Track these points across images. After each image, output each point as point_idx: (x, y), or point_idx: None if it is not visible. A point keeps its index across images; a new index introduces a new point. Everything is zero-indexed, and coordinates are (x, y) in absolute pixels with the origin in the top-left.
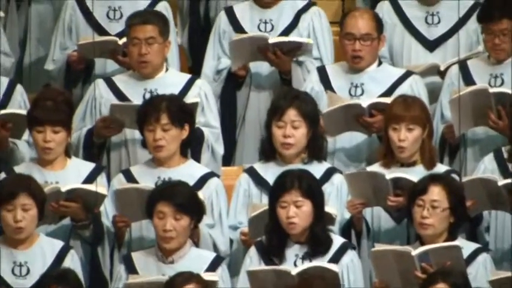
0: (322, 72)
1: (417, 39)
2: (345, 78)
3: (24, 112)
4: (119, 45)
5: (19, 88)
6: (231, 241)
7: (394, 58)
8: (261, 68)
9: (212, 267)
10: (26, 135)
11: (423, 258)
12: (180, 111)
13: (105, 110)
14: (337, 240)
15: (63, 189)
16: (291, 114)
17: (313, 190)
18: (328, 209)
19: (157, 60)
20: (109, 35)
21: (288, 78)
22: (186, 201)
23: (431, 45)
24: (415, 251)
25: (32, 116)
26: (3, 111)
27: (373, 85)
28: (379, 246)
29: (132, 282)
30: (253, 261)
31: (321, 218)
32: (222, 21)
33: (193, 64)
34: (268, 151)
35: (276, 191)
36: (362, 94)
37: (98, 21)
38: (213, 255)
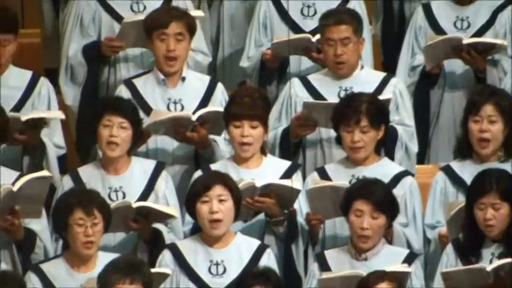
0: None
1: None
2: None
3: (222, 109)
4: (312, 43)
5: (220, 86)
6: (428, 241)
7: None
8: (455, 66)
9: (405, 263)
10: (224, 132)
11: None
12: (378, 112)
13: (300, 109)
14: None
15: (258, 184)
16: (488, 109)
17: (511, 192)
18: None
19: (353, 60)
20: (303, 31)
21: (483, 76)
22: (384, 199)
23: None
24: None
25: (229, 112)
26: (201, 111)
27: None
28: None
29: (326, 278)
30: (449, 259)
31: None
32: (419, 16)
33: (386, 59)
34: (465, 149)
35: (473, 193)
36: None
37: (292, 17)
38: (406, 251)
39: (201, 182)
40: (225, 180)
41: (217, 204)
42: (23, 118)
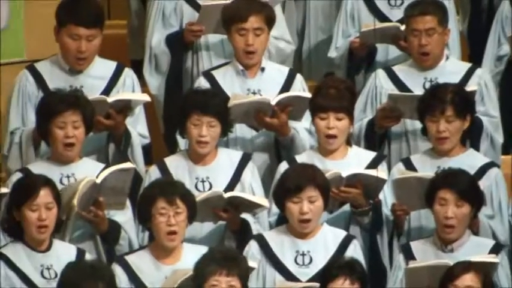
0: None
1: None
2: None
3: (305, 95)
4: (400, 31)
5: (299, 77)
6: None
7: None
8: None
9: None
10: (306, 123)
11: None
12: (464, 102)
13: (385, 101)
14: None
15: (344, 174)
16: None
17: None
18: None
19: (437, 50)
20: (390, 21)
21: None
22: (468, 188)
23: None
24: None
25: (315, 103)
26: (280, 96)
27: None
28: None
29: (413, 267)
30: None
31: None
32: (505, 7)
33: (472, 51)
34: None
35: None
36: None
37: (379, 8)
38: (492, 243)
39: (293, 182)
40: (316, 180)
41: (308, 205)
42: (109, 100)
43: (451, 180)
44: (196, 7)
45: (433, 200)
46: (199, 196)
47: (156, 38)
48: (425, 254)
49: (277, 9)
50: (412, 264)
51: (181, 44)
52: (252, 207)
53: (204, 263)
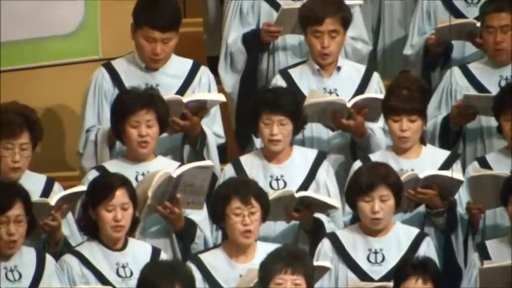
0: None
1: None
2: None
3: (379, 96)
4: (476, 28)
5: (375, 76)
6: None
7: None
8: None
9: None
10: (381, 122)
11: None
12: None
13: (460, 98)
14: None
15: (421, 175)
16: None
17: None
18: None
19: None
20: (466, 18)
21: None
22: None
23: None
24: None
25: (388, 105)
26: (357, 98)
27: None
28: None
29: (486, 268)
30: None
31: None
32: None
33: None
34: None
35: None
36: None
37: (456, 5)
38: None
39: (365, 181)
40: (388, 179)
41: (379, 204)
42: (185, 100)
43: None
44: (274, 5)
45: (507, 200)
46: (271, 195)
47: (233, 36)
48: (500, 253)
49: (356, 9)
50: (486, 265)
51: (258, 43)
52: (324, 207)
53: (270, 261)
